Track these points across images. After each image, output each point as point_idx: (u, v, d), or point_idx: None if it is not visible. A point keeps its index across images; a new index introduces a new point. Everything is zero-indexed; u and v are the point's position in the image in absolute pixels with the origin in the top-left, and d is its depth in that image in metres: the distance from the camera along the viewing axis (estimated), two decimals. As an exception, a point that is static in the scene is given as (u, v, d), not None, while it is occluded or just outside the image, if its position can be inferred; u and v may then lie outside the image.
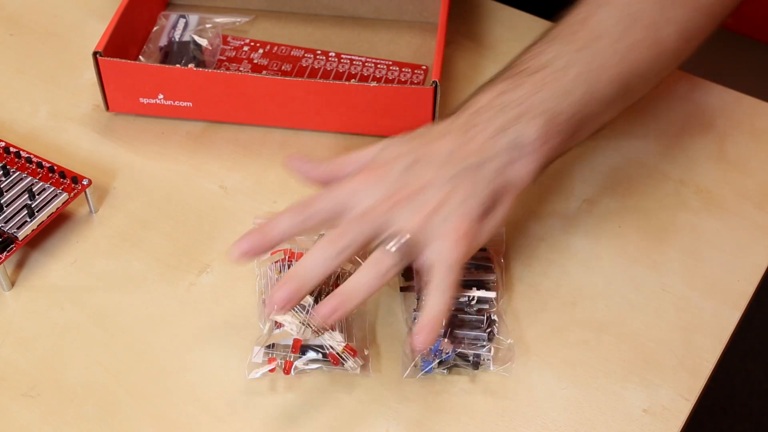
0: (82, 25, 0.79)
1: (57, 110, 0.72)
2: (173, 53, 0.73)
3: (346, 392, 0.55)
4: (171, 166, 0.68)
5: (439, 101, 0.67)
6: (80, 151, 0.69)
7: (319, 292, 0.57)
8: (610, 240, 0.63)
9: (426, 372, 0.56)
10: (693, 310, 0.59)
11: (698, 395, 0.55)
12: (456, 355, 0.56)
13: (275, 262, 0.60)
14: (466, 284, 0.59)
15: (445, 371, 0.56)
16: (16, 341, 0.58)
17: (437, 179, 0.54)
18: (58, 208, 0.62)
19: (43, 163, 0.64)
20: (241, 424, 0.54)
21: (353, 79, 0.72)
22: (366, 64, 0.74)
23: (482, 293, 0.58)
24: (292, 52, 0.75)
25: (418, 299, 0.58)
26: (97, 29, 0.74)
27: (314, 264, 0.52)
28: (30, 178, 0.63)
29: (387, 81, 0.72)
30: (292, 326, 0.56)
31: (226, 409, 0.55)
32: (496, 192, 0.55)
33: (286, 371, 0.55)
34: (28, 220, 0.61)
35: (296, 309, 0.56)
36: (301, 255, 0.60)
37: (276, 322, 0.56)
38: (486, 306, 0.58)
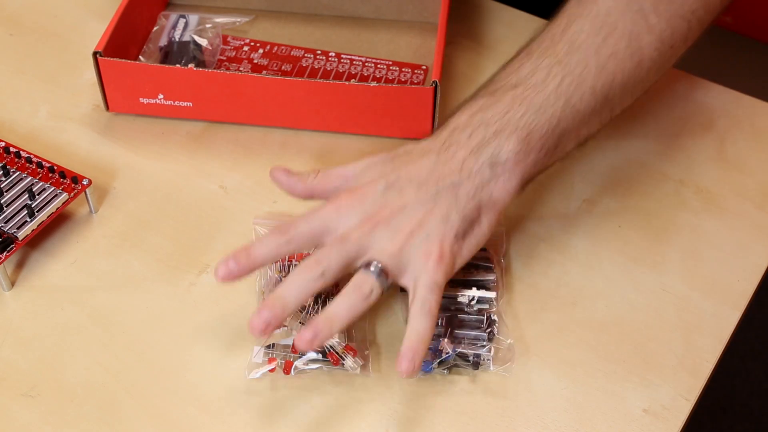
0: (82, 25, 0.79)
1: (57, 110, 0.72)
2: (173, 53, 0.73)
3: (346, 392, 0.55)
4: (171, 166, 0.68)
5: (439, 101, 0.67)
6: (80, 151, 0.69)
7: (323, 295, 0.58)
8: (610, 240, 0.63)
9: (426, 372, 0.56)
10: (693, 310, 0.59)
11: (698, 395, 0.55)
12: (456, 355, 0.56)
13: (276, 262, 0.60)
14: (466, 284, 0.59)
15: (445, 371, 0.56)
16: (16, 341, 0.58)
17: (416, 200, 0.55)
18: (58, 208, 0.62)
19: (43, 163, 0.64)
20: (241, 424, 0.54)
21: (353, 79, 0.72)
22: (366, 64, 0.74)
23: (482, 293, 0.58)
24: (292, 52, 0.75)
25: None
26: (97, 29, 0.74)
27: (296, 288, 0.53)
28: (30, 178, 0.63)
29: (387, 81, 0.72)
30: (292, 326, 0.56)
31: (226, 409, 0.55)
32: (476, 210, 0.55)
33: (286, 371, 0.55)
34: (28, 220, 0.61)
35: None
36: (301, 256, 0.60)
37: None
38: (486, 306, 0.58)
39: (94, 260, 0.62)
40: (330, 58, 0.74)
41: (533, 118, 0.56)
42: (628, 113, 0.62)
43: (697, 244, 0.63)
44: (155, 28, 0.76)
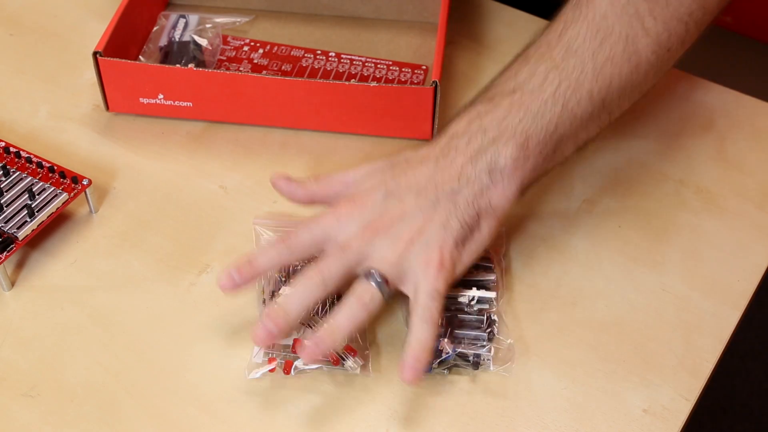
0: (82, 25, 0.79)
1: (57, 110, 0.72)
2: (173, 53, 0.73)
3: (346, 392, 0.55)
4: (171, 166, 0.68)
5: (439, 101, 0.67)
6: (80, 151, 0.69)
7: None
8: (610, 240, 0.63)
9: (426, 372, 0.56)
10: (693, 310, 0.59)
11: (698, 395, 0.55)
12: (456, 355, 0.56)
13: None
14: (466, 284, 0.59)
15: (445, 371, 0.56)
16: (16, 341, 0.58)
17: (416, 207, 0.55)
18: (58, 208, 0.62)
19: (43, 163, 0.64)
20: (241, 424, 0.54)
21: (353, 79, 0.72)
22: (366, 64, 0.74)
23: (482, 293, 0.58)
24: (292, 52, 0.75)
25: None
26: (97, 29, 0.74)
27: (298, 298, 0.54)
28: (30, 178, 0.63)
29: (387, 81, 0.72)
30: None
31: (226, 409, 0.55)
32: (476, 216, 0.56)
33: (286, 371, 0.55)
34: (28, 220, 0.61)
35: None
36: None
37: None
38: (486, 306, 0.58)
39: (94, 260, 0.62)
40: (330, 58, 0.74)
41: (531, 123, 0.56)
42: (628, 113, 0.62)
43: (697, 244, 0.63)
44: (155, 28, 0.76)
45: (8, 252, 0.60)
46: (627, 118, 0.64)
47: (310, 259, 0.57)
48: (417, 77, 0.73)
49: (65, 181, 0.64)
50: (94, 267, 0.62)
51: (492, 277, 0.60)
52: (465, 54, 0.76)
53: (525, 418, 0.54)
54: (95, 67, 0.68)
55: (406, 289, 0.55)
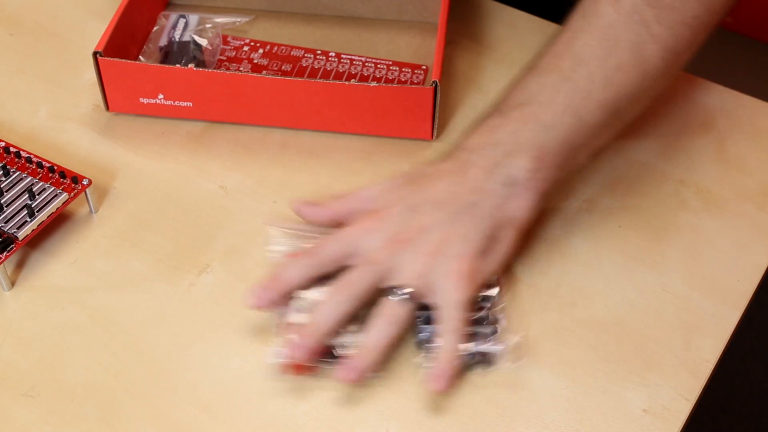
0: (82, 25, 0.79)
1: (57, 110, 0.72)
2: (173, 53, 0.73)
3: (346, 392, 0.55)
4: (171, 166, 0.68)
5: (439, 101, 0.67)
6: (80, 151, 0.69)
7: None
8: (610, 240, 0.63)
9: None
10: (693, 310, 0.59)
11: (698, 395, 0.55)
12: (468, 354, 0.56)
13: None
14: None
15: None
16: (16, 341, 0.58)
17: (436, 221, 0.56)
18: (58, 208, 0.62)
19: (43, 163, 0.64)
20: (241, 424, 0.54)
21: (353, 79, 0.72)
22: (366, 64, 0.74)
23: (486, 292, 0.58)
24: (292, 52, 0.75)
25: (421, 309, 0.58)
26: (97, 29, 0.74)
27: (328, 313, 0.55)
28: (30, 178, 0.63)
29: (387, 81, 0.72)
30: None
31: (226, 409, 0.55)
32: (495, 229, 0.57)
33: (301, 371, 0.55)
34: (28, 220, 0.61)
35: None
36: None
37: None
38: (488, 304, 0.58)
39: (94, 260, 0.62)
40: (330, 58, 0.74)
41: (544, 135, 0.58)
42: (628, 113, 0.62)
43: (697, 244, 0.63)
44: (155, 28, 0.76)
45: (8, 252, 0.60)
46: (627, 118, 0.64)
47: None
48: (417, 77, 0.73)
49: (65, 181, 0.64)
50: (94, 267, 0.62)
51: (494, 276, 0.60)
52: (465, 54, 0.76)
53: (525, 418, 0.54)
54: (95, 67, 0.68)
55: (430, 301, 0.56)
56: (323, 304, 0.55)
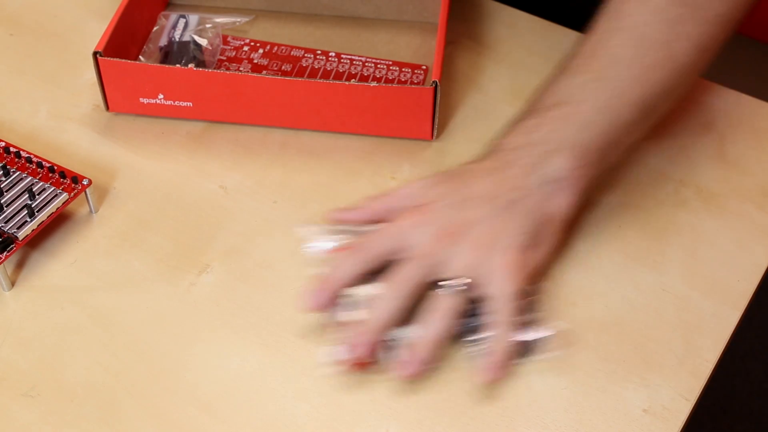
0: (82, 25, 0.79)
1: (57, 110, 0.72)
2: (173, 53, 0.73)
3: (346, 392, 0.55)
4: (171, 166, 0.68)
5: (439, 101, 0.67)
6: (80, 151, 0.69)
7: None
8: (610, 240, 0.63)
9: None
10: (693, 310, 0.59)
11: (698, 395, 0.55)
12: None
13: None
14: None
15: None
16: (16, 341, 0.58)
17: (483, 215, 0.57)
18: (58, 208, 0.62)
19: (43, 163, 0.64)
20: (241, 424, 0.54)
21: (353, 79, 0.72)
22: (366, 64, 0.74)
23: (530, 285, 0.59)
24: (292, 52, 0.75)
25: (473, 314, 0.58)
26: (97, 29, 0.74)
27: (387, 307, 0.55)
28: (30, 178, 0.63)
29: (387, 81, 0.72)
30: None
31: (226, 409, 0.55)
32: (538, 225, 0.58)
33: (362, 366, 0.56)
34: (28, 220, 0.61)
35: None
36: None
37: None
38: (531, 297, 0.59)
39: (94, 260, 0.62)
40: (330, 58, 0.74)
41: (580, 135, 0.59)
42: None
43: (697, 244, 0.63)
44: (155, 28, 0.76)
45: (8, 252, 0.60)
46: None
47: None
48: (417, 77, 0.73)
49: (65, 181, 0.64)
50: (94, 267, 0.62)
51: None
52: (465, 54, 0.76)
53: (525, 418, 0.54)
54: (95, 67, 0.68)
55: (482, 293, 0.56)
56: (380, 300, 0.55)
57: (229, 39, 0.76)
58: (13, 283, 0.61)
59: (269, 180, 0.67)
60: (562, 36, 0.77)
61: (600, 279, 0.61)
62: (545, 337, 0.57)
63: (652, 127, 0.63)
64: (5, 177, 0.63)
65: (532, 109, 0.61)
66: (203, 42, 0.74)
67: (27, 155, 0.65)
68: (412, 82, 0.73)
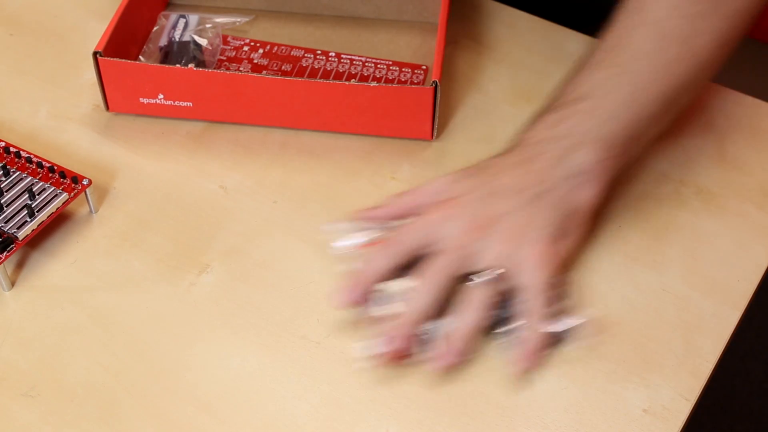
0: (82, 25, 0.79)
1: (57, 110, 0.72)
2: (173, 53, 0.73)
3: (346, 392, 0.55)
4: (171, 166, 0.68)
5: (439, 101, 0.67)
6: (80, 151, 0.69)
7: None
8: (610, 240, 0.63)
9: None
10: (693, 310, 0.59)
11: (698, 395, 0.55)
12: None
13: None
14: None
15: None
16: (16, 341, 0.58)
17: (512, 208, 0.58)
18: (58, 208, 0.62)
19: (43, 163, 0.64)
20: (241, 424, 0.54)
21: (353, 79, 0.72)
22: (366, 64, 0.74)
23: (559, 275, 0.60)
24: (292, 52, 0.75)
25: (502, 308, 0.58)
26: (97, 29, 0.74)
27: (423, 300, 0.56)
28: (30, 178, 0.63)
29: (387, 81, 0.72)
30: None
31: (226, 409, 0.55)
32: (566, 217, 0.59)
33: (399, 359, 0.56)
34: (28, 220, 0.61)
35: None
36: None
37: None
38: (560, 287, 0.59)
39: (94, 260, 0.62)
40: (330, 58, 0.74)
41: (605, 128, 0.60)
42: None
43: (697, 244, 0.63)
44: (155, 28, 0.76)
45: (8, 252, 0.60)
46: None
47: None
48: (417, 77, 0.73)
49: (65, 181, 0.64)
50: (94, 267, 0.62)
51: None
52: (465, 54, 0.76)
53: (525, 418, 0.54)
54: (95, 67, 0.68)
55: (514, 283, 0.57)
56: (415, 293, 0.56)
57: (229, 39, 0.76)
58: (13, 283, 0.61)
59: (269, 180, 0.67)
60: (562, 36, 0.77)
61: (600, 279, 0.61)
62: (577, 325, 0.57)
63: (673, 120, 0.64)
64: (5, 177, 0.63)
65: (555, 104, 0.62)
66: (203, 42, 0.74)
67: (27, 155, 0.65)
68: (412, 82, 0.73)
